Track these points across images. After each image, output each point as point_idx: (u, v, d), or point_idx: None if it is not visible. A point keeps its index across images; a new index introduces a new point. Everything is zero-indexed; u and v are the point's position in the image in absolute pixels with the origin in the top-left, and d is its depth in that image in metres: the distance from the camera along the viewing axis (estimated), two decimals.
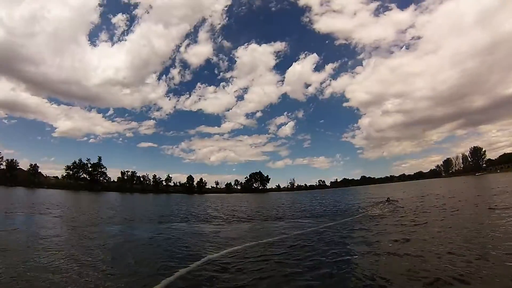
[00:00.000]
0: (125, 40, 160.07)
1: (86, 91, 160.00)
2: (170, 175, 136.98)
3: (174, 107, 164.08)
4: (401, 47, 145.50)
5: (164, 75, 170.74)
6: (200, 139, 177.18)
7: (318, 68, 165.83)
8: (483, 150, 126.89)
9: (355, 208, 24.11)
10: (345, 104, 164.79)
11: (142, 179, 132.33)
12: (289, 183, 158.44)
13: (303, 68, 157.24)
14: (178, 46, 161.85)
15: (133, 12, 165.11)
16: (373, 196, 37.97)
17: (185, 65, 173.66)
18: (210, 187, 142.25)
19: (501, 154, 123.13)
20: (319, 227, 13.64)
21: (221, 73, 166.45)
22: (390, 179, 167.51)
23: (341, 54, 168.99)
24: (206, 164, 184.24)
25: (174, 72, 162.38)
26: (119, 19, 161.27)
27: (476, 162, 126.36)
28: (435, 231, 10.90)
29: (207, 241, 11.36)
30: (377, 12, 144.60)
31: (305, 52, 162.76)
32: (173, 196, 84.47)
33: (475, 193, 28.38)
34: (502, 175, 75.35)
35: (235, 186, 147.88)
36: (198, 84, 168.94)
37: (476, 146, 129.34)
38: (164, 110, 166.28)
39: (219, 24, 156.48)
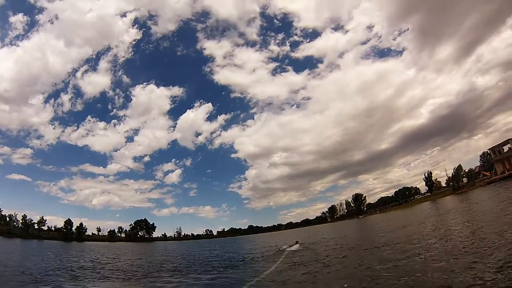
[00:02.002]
0: (18, 46, 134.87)
1: None
2: (44, 217, 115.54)
3: (58, 138, 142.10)
4: (292, 105, 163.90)
5: (52, 99, 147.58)
6: (83, 179, 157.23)
7: (211, 118, 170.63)
8: (364, 195, 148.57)
9: (266, 255, 24.05)
10: (233, 155, 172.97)
11: (8, 219, 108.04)
12: (176, 232, 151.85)
13: (196, 116, 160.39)
14: (75, 70, 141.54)
15: (36, 17, 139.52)
16: (273, 243, 38.70)
17: (78, 92, 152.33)
18: (91, 234, 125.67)
19: (378, 198, 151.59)
20: (251, 282, 12.58)
21: (114, 110, 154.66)
22: (278, 227, 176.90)
23: (234, 106, 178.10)
24: (87, 208, 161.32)
25: (65, 98, 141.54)
26: (18, 19, 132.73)
27: (358, 207, 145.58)
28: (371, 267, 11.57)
29: None
30: (274, 72, 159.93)
31: (201, 101, 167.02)
32: (46, 244, 70.52)
33: (365, 233, 32.00)
34: (381, 215, 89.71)
35: (119, 234, 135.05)
36: (89, 117, 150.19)
37: (357, 193, 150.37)
38: (46, 140, 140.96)
39: (123, 57, 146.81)
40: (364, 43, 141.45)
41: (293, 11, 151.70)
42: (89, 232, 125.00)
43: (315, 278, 11.47)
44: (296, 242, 29.08)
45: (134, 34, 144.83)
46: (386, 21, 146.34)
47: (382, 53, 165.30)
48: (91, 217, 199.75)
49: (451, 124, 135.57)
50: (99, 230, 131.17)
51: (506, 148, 67.74)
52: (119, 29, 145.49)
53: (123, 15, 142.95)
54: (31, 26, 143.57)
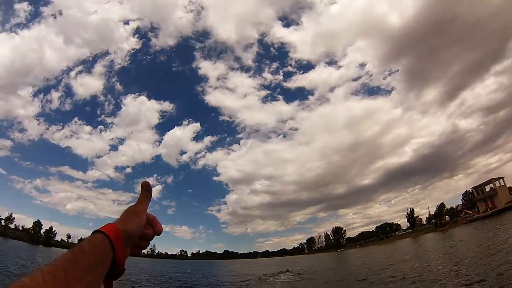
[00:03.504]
0: (17, 34, 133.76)
1: None
2: (12, 215, 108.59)
3: (41, 135, 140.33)
4: (279, 134, 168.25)
5: (42, 94, 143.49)
6: (60, 181, 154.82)
7: (197, 138, 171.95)
8: (344, 229, 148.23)
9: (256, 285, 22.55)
10: (215, 178, 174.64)
11: None
12: (150, 249, 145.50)
13: (183, 134, 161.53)
14: (70, 69, 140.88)
15: (40, 8, 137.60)
16: (256, 272, 37.18)
17: (69, 92, 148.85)
18: (60, 240, 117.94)
19: (357, 232, 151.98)
20: None
21: (103, 115, 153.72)
22: (254, 254, 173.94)
23: (222, 129, 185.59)
24: (60, 212, 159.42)
25: (55, 95, 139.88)
26: (22, 7, 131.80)
27: (337, 240, 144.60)
28: None
29: None
30: (265, 99, 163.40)
31: (189, 119, 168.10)
32: (11, 244, 65.17)
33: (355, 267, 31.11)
34: (361, 250, 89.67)
35: None
36: (76, 118, 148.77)
37: (337, 226, 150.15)
38: (28, 134, 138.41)
39: (120, 64, 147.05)
40: (355, 79, 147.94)
41: (290, 41, 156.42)
42: (58, 238, 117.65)
43: None
44: (287, 270, 28.13)
45: (133, 43, 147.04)
46: (378, 61, 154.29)
47: (372, 91, 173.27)
48: (63, 222, 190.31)
49: (433, 163, 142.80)
50: (69, 237, 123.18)
51: (488, 188, 70.91)
52: (120, 35, 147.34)
53: (126, 22, 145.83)
54: (34, 16, 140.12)
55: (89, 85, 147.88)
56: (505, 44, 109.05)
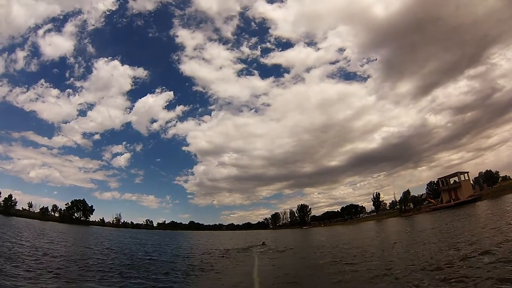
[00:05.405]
0: None
1: None
2: None
3: (4, 97, 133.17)
4: (251, 109, 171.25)
5: (6, 53, 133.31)
6: (24, 147, 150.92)
7: (169, 106, 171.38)
8: (309, 207, 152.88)
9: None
10: (184, 148, 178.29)
11: None
12: (115, 218, 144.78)
13: (155, 102, 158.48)
14: (38, 27, 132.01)
15: None
16: (231, 243, 38.04)
17: (36, 52, 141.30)
18: (21, 209, 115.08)
19: (321, 212, 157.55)
20: None
21: (72, 78, 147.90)
22: (219, 227, 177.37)
23: (195, 99, 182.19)
24: (22, 179, 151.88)
25: (20, 55, 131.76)
26: None
27: (302, 217, 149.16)
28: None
29: None
30: (240, 73, 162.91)
31: (163, 87, 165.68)
32: None
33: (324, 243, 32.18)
34: (325, 228, 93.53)
35: (52, 213, 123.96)
36: (42, 80, 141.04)
37: (303, 204, 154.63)
38: None
39: (93, 25, 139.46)
40: (332, 63, 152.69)
41: (272, 18, 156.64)
42: (19, 207, 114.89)
43: None
44: (263, 243, 28.59)
45: (109, 3, 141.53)
46: (358, 48, 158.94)
47: (348, 76, 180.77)
48: (25, 191, 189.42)
49: (400, 153, 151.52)
50: (30, 205, 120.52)
51: (452, 181, 76.13)
52: None
53: None
54: None
55: (58, 45, 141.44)
56: (482, 51, 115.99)
